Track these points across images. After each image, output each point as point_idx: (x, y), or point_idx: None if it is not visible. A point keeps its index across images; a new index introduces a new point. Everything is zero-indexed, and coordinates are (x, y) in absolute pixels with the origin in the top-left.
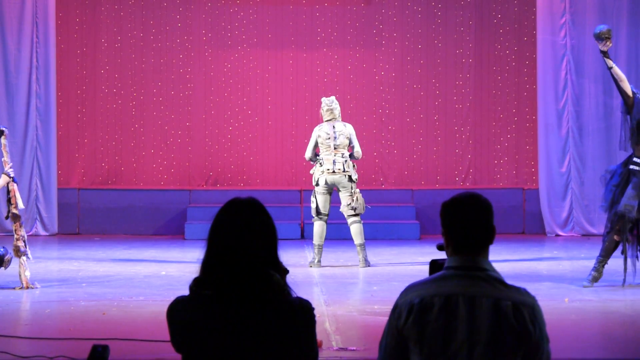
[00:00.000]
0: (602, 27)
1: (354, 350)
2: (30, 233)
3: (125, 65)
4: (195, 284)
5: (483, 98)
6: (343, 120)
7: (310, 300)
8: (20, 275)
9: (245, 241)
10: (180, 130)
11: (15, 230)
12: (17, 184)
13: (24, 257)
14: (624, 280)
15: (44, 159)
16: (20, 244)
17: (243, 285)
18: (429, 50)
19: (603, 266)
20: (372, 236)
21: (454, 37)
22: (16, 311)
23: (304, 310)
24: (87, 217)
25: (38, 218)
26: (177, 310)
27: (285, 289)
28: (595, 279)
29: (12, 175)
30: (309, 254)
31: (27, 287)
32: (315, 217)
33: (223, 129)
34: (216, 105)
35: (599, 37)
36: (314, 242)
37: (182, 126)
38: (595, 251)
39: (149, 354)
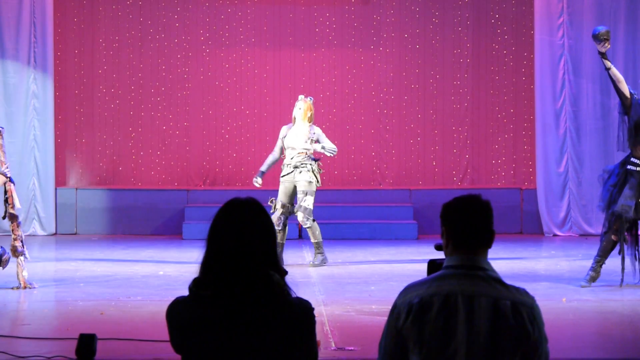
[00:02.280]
0: (601, 28)
1: (351, 350)
2: (28, 233)
3: (123, 66)
4: (195, 285)
5: (481, 98)
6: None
7: (308, 300)
8: (18, 275)
9: (244, 241)
10: (178, 130)
11: (12, 230)
12: (15, 184)
13: (22, 257)
14: (622, 280)
15: (41, 158)
16: (18, 244)
17: (243, 285)
18: (426, 50)
19: (601, 266)
20: (370, 236)
21: (451, 36)
22: (14, 311)
23: (304, 310)
24: (84, 217)
25: (36, 218)
26: (177, 311)
27: (285, 289)
28: (593, 279)
29: (9, 175)
30: (307, 254)
31: (25, 287)
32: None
33: (221, 128)
34: (214, 105)
35: (598, 38)
36: (320, 241)
37: (180, 126)
38: (593, 251)
39: (148, 354)
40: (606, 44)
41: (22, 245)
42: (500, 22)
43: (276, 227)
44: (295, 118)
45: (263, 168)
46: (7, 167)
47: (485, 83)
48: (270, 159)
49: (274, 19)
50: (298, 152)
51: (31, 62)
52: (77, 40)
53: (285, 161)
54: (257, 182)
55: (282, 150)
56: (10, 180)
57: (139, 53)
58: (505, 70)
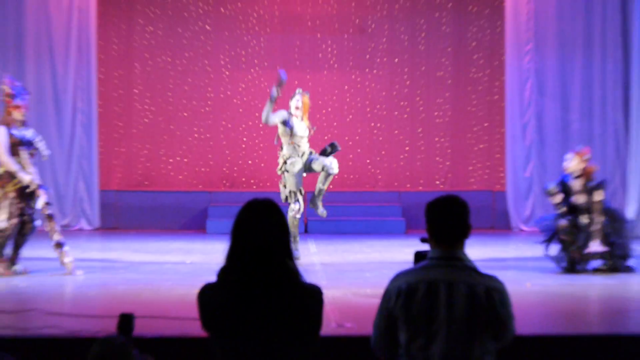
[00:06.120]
0: (545, 187)
1: (349, 327)
2: (76, 228)
3: (155, 86)
4: (222, 272)
5: (459, 113)
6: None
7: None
8: (63, 264)
9: (264, 235)
10: (202, 140)
11: (50, 226)
12: (46, 190)
13: (66, 247)
14: (564, 267)
15: (87, 165)
16: (57, 236)
17: (263, 272)
18: (413, 72)
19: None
20: (365, 231)
21: (435, 61)
22: (65, 294)
23: (315, 293)
24: (124, 214)
25: (83, 215)
26: (207, 295)
27: (298, 274)
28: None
29: (37, 182)
30: (311, 246)
31: (71, 274)
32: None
33: (238, 139)
34: (232, 119)
35: (548, 194)
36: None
37: (203, 137)
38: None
39: (177, 330)
40: (556, 197)
41: (60, 235)
42: (476, 48)
43: (297, 216)
44: (294, 108)
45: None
46: (32, 174)
47: (463, 101)
48: (270, 104)
49: (284, 46)
50: (306, 141)
51: (78, 82)
52: (116, 64)
53: (291, 150)
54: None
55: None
56: (40, 187)
57: (169, 75)
58: (480, 90)
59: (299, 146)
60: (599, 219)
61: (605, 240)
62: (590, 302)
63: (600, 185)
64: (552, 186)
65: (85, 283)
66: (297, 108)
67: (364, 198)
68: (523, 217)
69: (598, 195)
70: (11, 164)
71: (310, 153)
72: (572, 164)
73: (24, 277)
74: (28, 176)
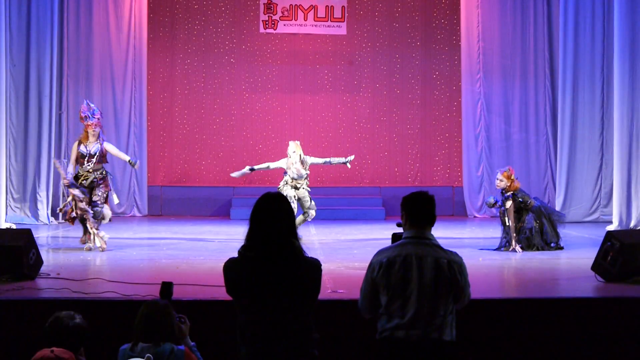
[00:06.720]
0: (485, 202)
1: (342, 292)
2: (129, 214)
3: (192, 105)
4: (243, 249)
5: (427, 127)
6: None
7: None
8: (96, 241)
9: (276, 220)
10: (227, 147)
11: (88, 222)
12: (78, 189)
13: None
14: (505, 246)
15: (138, 166)
16: (94, 231)
17: (275, 249)
18: (391, 95)
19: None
20: (353, 217)
21: (407, 86)
22: (120, 265)
23: (315, 265)
24: (166, 204)
25: (135, 205)
26: (230, 267)
27: (302, 251)
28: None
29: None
30: (312, 229)
31: (103, 250)
32: None
33: (255, 146)
34: (251, 131)
35: (488, 206)
36: None
37: (228, 144)
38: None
39: (208, 295)
40: (496, 205)
41: (97, 228)
42: (439, 77)
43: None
44: (290, 156)
45: (255, 167)
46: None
47: (429, 117)
48: (266, 165)
49: (290, 74)
50: (303, 179)
51: (132, 102)
52: (161, 88)
53: (291, 183)
54: (242, 173)
55: (282, 171)
56: (71, 185)
57: (202, 97)
58: (442, 109)
59: (298, 184)
60: (512, 219)
61: (532, 238)
62: (528, 272)
63: (509, 197)
64: (490, 200)
65: (135, 257)
66: (293, 152)
67: (353, 192)
68: (476, 206)
69: (508, 204)
70: (61, 168)
71: (306, 192)
72: (503, 183)
73: (89, 252)
74: (65, 179)
